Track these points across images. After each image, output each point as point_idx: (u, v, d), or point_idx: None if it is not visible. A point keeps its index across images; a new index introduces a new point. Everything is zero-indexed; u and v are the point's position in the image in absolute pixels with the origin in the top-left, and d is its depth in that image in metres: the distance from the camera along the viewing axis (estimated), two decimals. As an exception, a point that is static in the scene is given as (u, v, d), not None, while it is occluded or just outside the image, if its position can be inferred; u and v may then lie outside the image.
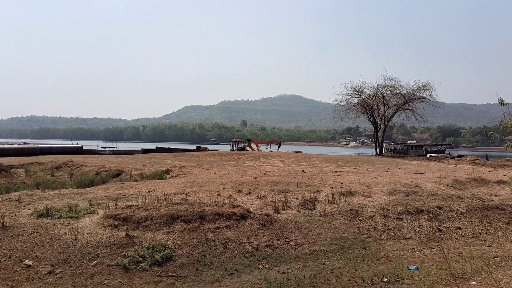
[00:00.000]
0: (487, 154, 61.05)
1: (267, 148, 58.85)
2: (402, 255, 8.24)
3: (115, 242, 7.87)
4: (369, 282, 6.38)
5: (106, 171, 23.11)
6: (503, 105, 7.25)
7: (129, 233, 8.19)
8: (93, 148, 58.94)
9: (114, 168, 23.66)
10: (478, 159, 37.95)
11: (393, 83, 54.50)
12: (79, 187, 16.80)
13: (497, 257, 7.58)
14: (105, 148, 62.92)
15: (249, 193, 13.73)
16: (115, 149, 61.61)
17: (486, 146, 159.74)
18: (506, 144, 7.77)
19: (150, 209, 9.45)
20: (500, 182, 18.74)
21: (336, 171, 22.24)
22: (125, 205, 10.37)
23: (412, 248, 8.74)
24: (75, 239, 7.87)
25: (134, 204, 10.45)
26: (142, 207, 9.68)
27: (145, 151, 51.91)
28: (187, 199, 11.65)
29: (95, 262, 7.12)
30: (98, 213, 9.77)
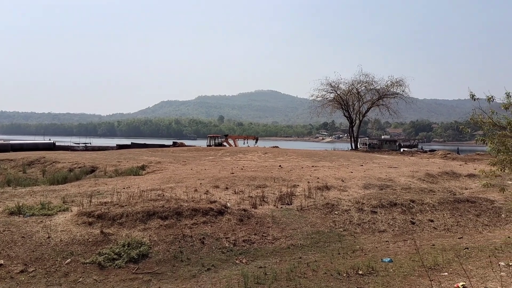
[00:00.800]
0: (458, 149, 62.81)
1: (244, 143, 58.79)
2: (376, 247, 8.42)
3: (89, 240, 7.75)
4: (345, 275, 6.49)
5: (79, 167, 22.63)
6: (474, 100, 7.45)
7: (104, 230, 8.08)
8: (66, 144, 57.52)
9: (88, 165, 23.20)
10: (449, 153, 39.02)
11: (367, 79, 55.31)
12: (52, 184, 16.42)
13: (467, 248, 7.83)
14: (78, 144, 61.49)
15: (227, 188, 13.73)
16: (89, 145, 60.31)
17: (457, 140, 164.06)
18: (476, 139, 8.00)
19: (126, 205, 9.34)
20: (470, 176, 19.33)
21: (313, 166, 22.45)
22: (100, 202, 10.20)
23: (386, 241, 8.94)
24: (48, 237, 7.70)
25: (109, 201, 10.30)
26: (117, 204, 9.54)
27: (120, 147, 51.03)
28: (163, 195, 11.55)
29: (69, 260, 7.00)
30: (71, 211, 9.59)
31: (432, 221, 10.34)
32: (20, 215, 8.94)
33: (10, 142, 47.90)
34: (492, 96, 7.12)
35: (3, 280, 6.20)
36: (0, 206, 10.13)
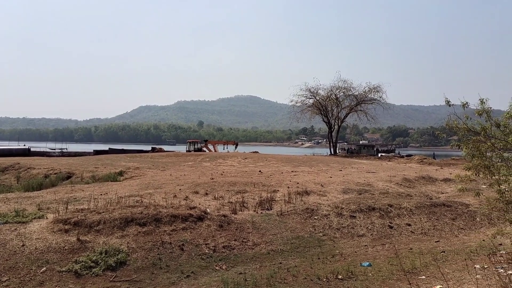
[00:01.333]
0: (434, 154, 64.10)
1: (224, 149, 58.67)
2: (355, 252, 8.49)
3: (65, 247, 7.56)
4: (325, 279, 6.52)
5: (55, 173, 22.13)
6: (449, 106, 7.61)
7: (80, 238, 7.90)
8: (41, 149, 56.20)
9: (64, 171, 22.71)
10: (425, 158, 39.79)
11: (346, 85, 56.17)
12: (27, 190, 16.00)
13: (444, 251, 7.98)
14: (54, 149, 60.14)
15: (206, 194, 13.64)
16: (65, 150, 59.11)
17: (433, 145, 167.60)
18: (452, 144, 8.17)
19: (103, 212, 9.16)
20: (446, 180, 19.75)
21: (292, 171, 22.55)
22: (76, 208, 9.98)
23: (365, 245, 9.03)
24: (23, 245, 7.49)
25: (86, 207, 10.09)
26: (95, 211, 9.36)
27: (97, 152, 50.19)
28: (142, 201, 11.39)
29: (44, 268, 6.81)
30: (47, 218, 9.35)
31: (409, 225, 10.50)
32: (-7, 223, 8.66)
33: None
34: (467, 102, 7.29)
35: (-26, 290, 5.99)
36: (-29, 213, 9.80)
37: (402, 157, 47.89)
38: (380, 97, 55.48)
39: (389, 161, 38.77)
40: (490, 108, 7.17)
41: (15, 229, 8.31)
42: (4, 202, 11.81)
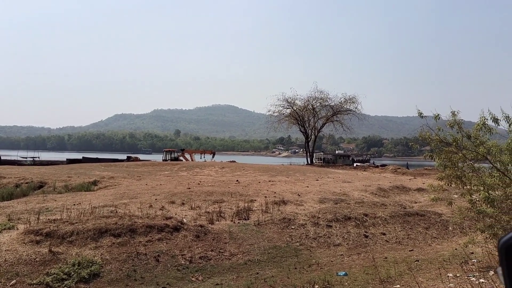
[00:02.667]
0: (407, 163, 65.35)
1: (201, 158, 58.27)
2: (332, 261, 8.55)
3: (37, 259, 7.33)
4: (302, 289, 6.53)
5: (27, 183, 21.49)
6: (422, 117, 7.83)
7: (52, 249, 7.67)
8: (12, 158, 54.63)
9: (36, 180, 22.08)
10: (399, 168, 40.57)
11: (322, 96, 56.87)
12: (-4, 200, 15.45)
13: (418, 260, 8.13)
14: (26, 158, 58.49)
15: (183, 204, 13.50)
16: (37, 159, 57.57)
17: (407, 155, 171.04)
18: (425, 154, 8.38)
19: (76, 223, 8.94)
20: (419, 190, 20.15)
21: (270, 181, 22.59)
22: (49, 219, 9.71)
23: (341, 254, 9.11)
24: (-10, 258, 7.21)
25: (58, 218, 9.83)
26: (67, 221, 9.12)
27: (71, 161, 49.12)
28: (116, 211, 11.17)
29: (14, 281, 6.57)
30: (18, 229, 9.05)
31: (384, 234, 10.66)
32: (-41, 235, 8.32)
33: None
34: (439, 115, 7.51)
35: None
36: None
37: (377, 167, 48.67)
38: (356, 108, 56.48)
39: (364, 170, 39.34)
40: (461, 120, 7.41)
41: (-17, 240, 8.01)
42: (-28, 213, 11.38)
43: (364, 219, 11.34)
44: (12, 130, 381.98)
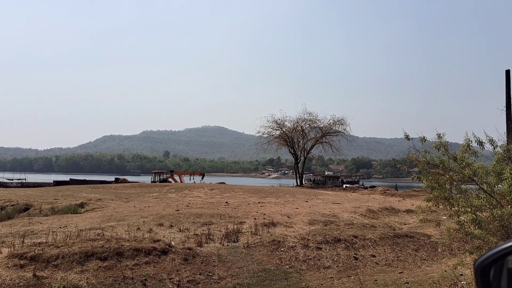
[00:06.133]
0: (396, 185, 65.82)
1: (190, 180, 57.96)
2: (322, 284, 8.48)
3: (20, 284, 7.14)
4: (291, 313, 6.44)
5: (12, 205, 21.09)
6: (409, 140, 7.96)
7: (37, 273, 7.50)
8: (-2, 180, 53.74)
9: (21, 202, 21.70)
10: (388, 190, 40.74)
11: (311, 117, 57.36)
12: (-21, 223, 15.09)
13: (408, 283, 8.10)
14: (12, 180, 57.59)
15: (171, 226, 13.34)
16: (24, 181, 56.69)
17: (395, 177, 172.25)
18: (413, 176, 8.47)
19: (62, 246, 8.78)
20: (408, 211, 20.22)
21: (259, 202, 22.49)
22: (33, 242, 9.51)
23: (331, 277, 9.04)
24: (-29, 284, 7.01)
25: (44, 241, 9.64)
26: (53, 245, 8.95)
27: (58, 183, 48.44)
28: (103, 234, 10.99)
29: (-6, 308, 6.39)
30: (1, 252, 8.85)
31: (374, 256, 10.62)
32: None
33: None
34: (425, 137, 7.64)
35: None
36: None
37: (366, 188, 48.84)
38: (344, 130, 56.99)
39: (353, 192, 39.43)
40: (447, 142, 7.54)
41: (-35, 265, 7.80)
42: (-47, 236, 11.10)
43: (353, 241, 11.31)
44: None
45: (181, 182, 54.11)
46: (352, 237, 11.53)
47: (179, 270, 8.57)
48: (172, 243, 10.21)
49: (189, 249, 9.78)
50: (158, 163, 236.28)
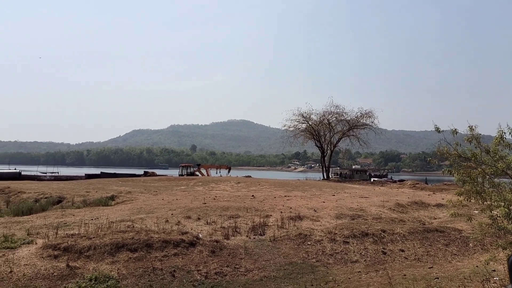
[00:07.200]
0: (426, 179, 64.37)
1: (216, 173, 58.46)
2: (349, 278, 8.42)
3: (54, 274, 7.41)
4: (318, 307, 6.44)
5: (46, 198, 21.86)
6: (439, 132, 7.75)
7: (70, 264, 7.76)
8: (32, 173, 55.73)
9: (55, 195, 22.45)
10: (418, 183, 39.93)
11: (338, 110, 56.71)
12: (16, 215, 15.76)
13: (437, 278, 7.94)
14: (45, 173, 59.64)
15: (199, 219, 13.52)
16: (57, 174, 58.61)
17: (425, 170, 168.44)
18: (443, 169, 8.25)
19: (94, 237, 9.04)
20: (438, 205, 19.77)
21: (285, 196, 22.49)
22: (66, 234, 9.84)
23: (359, 271, 8.96)
24: (11, 272, 7.33)
25: (76, 232, 9.95)
26: (85, 236, 9.23)
27: (89, 176, 49.77)
28: (133, 226, 11.26)
29: (31, 296, 6.65)
30: (36, 243, 9.19)
31: (403, 251, 10.46)
32: (-20, 249, 8.49)
33: None
34: (456, 129, 7.42)
35: (-42, 319, 5.82)
36: (-41, 239, 9.61)
37: (395, 182, 48.03)
38: (372, 122, 56.12)
39: (381, 186, 38.84)
40: (480, 134, 7.30)
41: (3, 255, 8.16)
42: (-7, 227, 11.61)
43: (382, 235, 11.17)
44: (32, 146, 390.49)
45: (207, 175, 54.69)
46: (380, 231, 11.38)
47: (207, 262, 8.69)
48: (200, 235, 10.35)
49: (216, 241, 9.89)
50: (185, 156, 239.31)
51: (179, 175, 53.14)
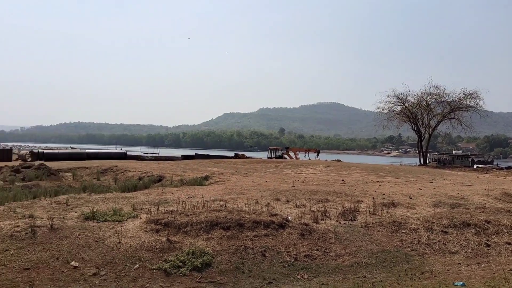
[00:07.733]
0: (539, 166, 57.66)
1: (305, 156, 58.39)
2: (447, 270, 7.91)
3: (156, 247, 8.03)
4: (413, 297, 6.15)
5: (148, 176, 23.73)
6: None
7: (170, 238, 8.34)
8: (136, 154, 60.73)
9: (155, 174, 24.26)
10: (529, 171, 35.93)
11: (438, 91, 52.89)
12: (123, 191, 17.27)
13: (552, 276, 7.11)
14: (147, 154, 64.66)
15: (287, 201, 13.64)
16: (157, 155, 63.19)
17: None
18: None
19: (190, 215, 9.59)
20: (555, 196, 17.61)
21: (378, 181, 21.71)
22: (166, 210, 10.57)
23: (458, 263, 8.37)
24: (119, 242, 8.09)
25: (175, 209, 10.63)
26: (183, 213, 9.83)
27: (185, 157, 52.86)
28: (225, 206, 11.72)
29: (137, 265, 7.29)
30: (140, 218, 10.02)
31: (509, 244, 9.52)
32: (94, 220, 9.48)
33: (86, 151, 51.47)
34: None
35: (77, 282, 6.58)
36: (76, 211, 10.85)
37: (502, 169, 43.81)
38: (477, 104, 51.35)
39: (486, 173, 35.64)
40: None
41: (113, 227, 9.03)
42: (104, 202, 12.91)
43: (485, 227, 10.27)
44: (135, 129, 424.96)
45: (296, 158, 54.86)
46: (484, 222, 10.47)
47: (296, 244, 8.75)
48: (289, 218, 10.44)
49: (306, 224, 9.90)
50: (274, 139, 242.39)
51: (268, 157, 54.05)
